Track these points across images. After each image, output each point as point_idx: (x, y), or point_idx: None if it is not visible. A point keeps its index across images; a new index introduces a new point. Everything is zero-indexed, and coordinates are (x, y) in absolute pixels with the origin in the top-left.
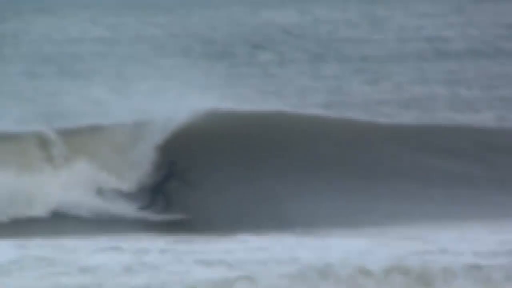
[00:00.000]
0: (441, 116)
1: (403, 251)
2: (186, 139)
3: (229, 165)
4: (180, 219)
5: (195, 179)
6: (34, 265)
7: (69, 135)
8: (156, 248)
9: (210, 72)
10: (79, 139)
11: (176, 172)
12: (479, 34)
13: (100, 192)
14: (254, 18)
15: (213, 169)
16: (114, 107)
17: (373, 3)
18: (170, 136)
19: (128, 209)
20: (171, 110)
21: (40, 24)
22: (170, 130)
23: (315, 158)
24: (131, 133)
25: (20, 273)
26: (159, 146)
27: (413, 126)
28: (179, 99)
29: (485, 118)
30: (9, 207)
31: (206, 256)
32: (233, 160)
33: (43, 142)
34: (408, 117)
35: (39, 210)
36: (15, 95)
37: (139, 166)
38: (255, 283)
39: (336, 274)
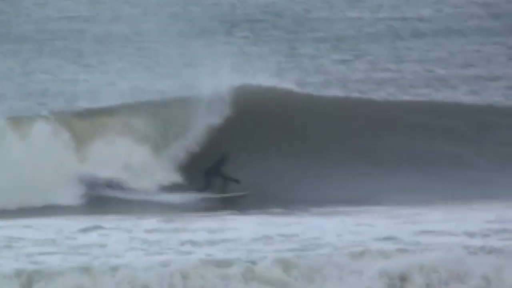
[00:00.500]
0: (417, 93)
1: (395, 231)
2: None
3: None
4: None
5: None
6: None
7: (83, 117)
8: (144, 228)
9: (186, 50)
10: (95, 122)
11: (228, 159)
12: (454, 13)
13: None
14: None
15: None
16: (91, 85)
17: None
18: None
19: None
20: (147, 88)
21: (17, 2)
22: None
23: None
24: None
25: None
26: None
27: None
28: (155, 78)
29: (461, 96)
30: (46, 194)
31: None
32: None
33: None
34: (384, 95)
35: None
36: None
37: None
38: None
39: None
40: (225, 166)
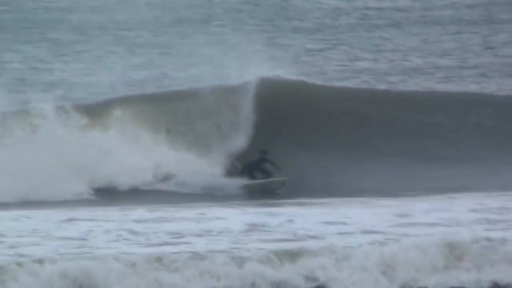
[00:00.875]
0: (395, 80)
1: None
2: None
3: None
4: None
5: None
6: None
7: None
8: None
9: (162, 40)
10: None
11: (267, 158)
12: (430, 2)
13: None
14: None
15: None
16: (68, 75)
17: None
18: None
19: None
20: (124, 78)
21: None
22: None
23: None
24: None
25: None
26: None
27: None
28: (131, 67)
29: (436, 84)
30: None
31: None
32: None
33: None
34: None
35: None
36: None
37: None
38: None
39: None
40: (266, 163)
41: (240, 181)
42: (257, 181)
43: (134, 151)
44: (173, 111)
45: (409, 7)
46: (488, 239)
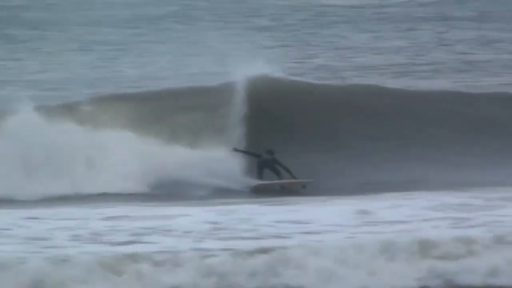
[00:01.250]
0: (349, 77)
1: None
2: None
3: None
4: None
5: None
6: None
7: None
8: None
9: (113, 38)
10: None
11: (275, 158)
12: (384, 1)
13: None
14: None
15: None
16: (21, 71)
17: None
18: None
19: None
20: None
21: None
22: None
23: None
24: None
25: None
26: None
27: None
28: (80, 66)
29: (390, 80)
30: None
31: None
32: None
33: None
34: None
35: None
36: None
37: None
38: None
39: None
40: (277, 164)
41: (254, 181)
42: (278, 182)
43: (108, 151)
44: (153, 109)
45: (363, 5)
46: (458, 237)
